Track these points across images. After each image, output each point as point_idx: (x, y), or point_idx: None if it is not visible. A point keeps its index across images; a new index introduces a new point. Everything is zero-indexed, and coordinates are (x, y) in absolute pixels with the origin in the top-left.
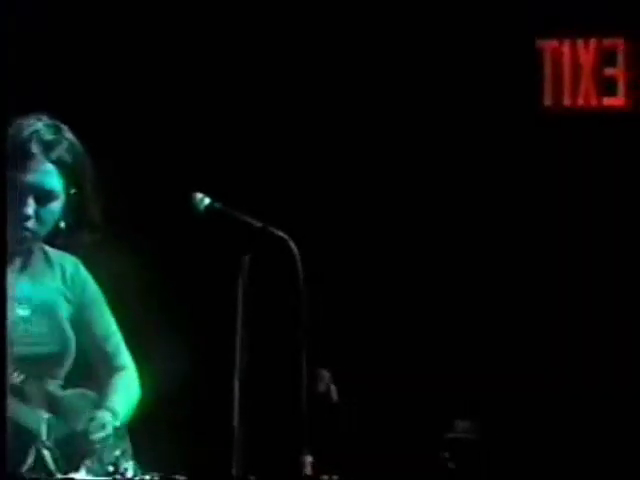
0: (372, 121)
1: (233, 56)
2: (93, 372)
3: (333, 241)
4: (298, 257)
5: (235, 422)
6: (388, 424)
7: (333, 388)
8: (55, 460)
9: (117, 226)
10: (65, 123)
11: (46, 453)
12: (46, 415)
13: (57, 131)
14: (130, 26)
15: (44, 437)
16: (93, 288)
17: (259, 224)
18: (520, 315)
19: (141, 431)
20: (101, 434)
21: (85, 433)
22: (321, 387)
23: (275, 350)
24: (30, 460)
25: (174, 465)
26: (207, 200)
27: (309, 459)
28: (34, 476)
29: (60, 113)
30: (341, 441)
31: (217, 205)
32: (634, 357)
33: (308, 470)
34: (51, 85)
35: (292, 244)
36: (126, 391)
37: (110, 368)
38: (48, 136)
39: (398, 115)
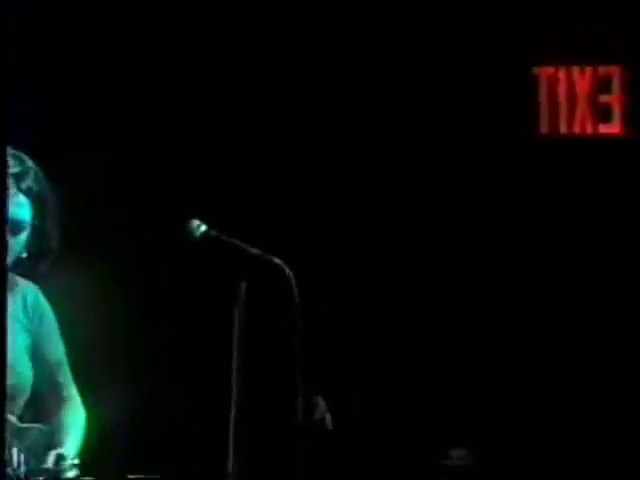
0: (365, 147)
1: (228, 80)
2: (45, 402)
3: (328, 265)
4: (294, 284)
5: (230, 450)
6: (383, 451)
7: (328, 417)
8: None
9: (96, 252)
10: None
11: None
12: (16, 448)
13: (22, 162)
14: (122, 48)
15: (22, 469)
16: (50, 317)
17: (255, 251)
18: (515, 339)
19: (90, 465)
20: (71, 473)
21: (56, 471)
22: (317, 415)
23: (270, 378)
24: None
25: None
26: (203, 227)
27: None
28: None
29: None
30: (335, 468)
31: (213, 232)
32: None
33: None
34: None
35: (288, 271)
36: (76, 424)
37: (59, 399)
38: (15, 168)
39: (395, 143)
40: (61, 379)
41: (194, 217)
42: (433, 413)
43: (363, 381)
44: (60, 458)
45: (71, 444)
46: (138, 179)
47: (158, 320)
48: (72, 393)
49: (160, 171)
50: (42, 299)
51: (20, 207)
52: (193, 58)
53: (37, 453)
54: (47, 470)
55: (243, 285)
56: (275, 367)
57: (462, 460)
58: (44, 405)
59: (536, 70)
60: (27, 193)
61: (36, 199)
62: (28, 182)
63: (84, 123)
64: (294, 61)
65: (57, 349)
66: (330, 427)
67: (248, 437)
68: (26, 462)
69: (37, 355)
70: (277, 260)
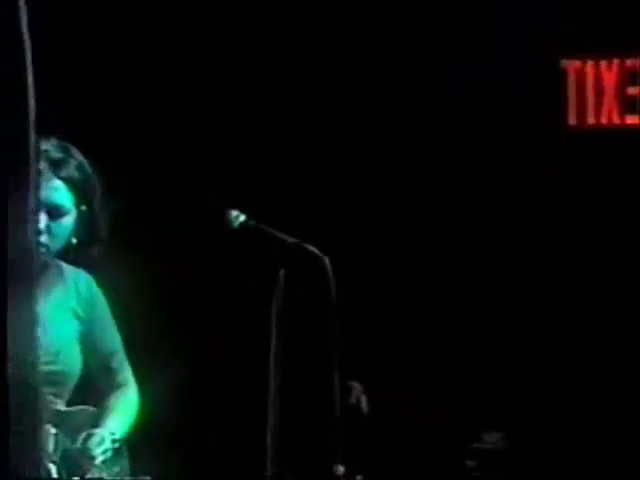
0: (397, 141)
1: (258, 78)
2: (95, 387)
3: (366, 256)
4: (331, 274)
5: (269, 434)
6: (416, 434)
7: (364, 399)
8: (59, 474)
9: (142, 243)
10: (102, 149)
11: (52, 467)
12: (53, 430)
13: (65, 151)
14: (142, 44)
15: (51, 451)
16: (103, 305)
17: (292, 240)
18: (542, 328)
19: (140, 448)
20: (100, 450)
21: (85, 449)
22: (352, 399)
23: (308, 363)
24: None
25: None
26: (242, 217)
27: (341, 469)
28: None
29: (91, 139)
30: (371, 450)
31: (252, 222)
32: None
33: (340, 475)
34: (68, 106)
35: (326, 261)
36: (125, 409)
37: (112, 384)
38: (56, 155)
39: (426, 133)
40: (114, 365)
41: (232, 208)
42: (467, 397)
43: (397, 365)
44: (89, 436)
45: (113, 426)
46: (179, 174)
47: (200, 308)
48: (127, 379)
49: (200, 166)
50: (96, 289)
51: (56, 191)
52: (219, 79)
53: (78, 434)
54: (77, 450)
55: (282, 272)
56: (312, 351)
57: (495, 444)
58: (96, 390)
59: (564, 63)
60: (67, 180)
61: (77, 187)
62: (69, 170)
63: (116, 118)
64: (322, 83)
65: (111, 337)
66: (366, 410)
67: (285, 421)
68: (62, 444)
69: (88, 342)
70: (313, 248)
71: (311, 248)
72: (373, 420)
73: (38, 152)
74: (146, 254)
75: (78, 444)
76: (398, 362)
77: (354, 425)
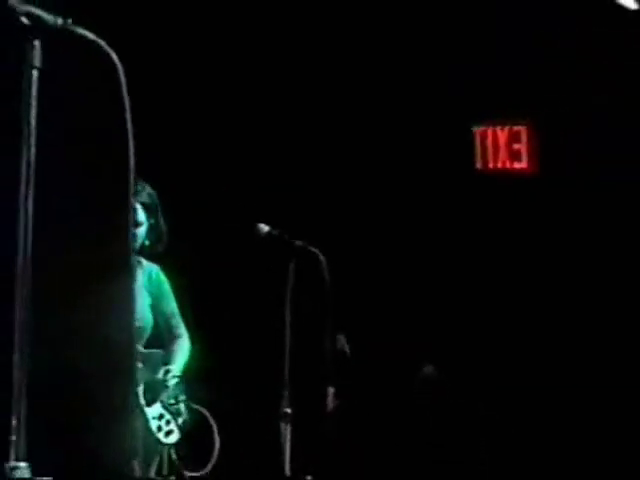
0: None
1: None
2: (162, 338)
3: (351, 253)
4: (325, 265)
5: (286, 369)
6: (379, 369)
7: (347, 346)
8: (144, 393)
9: (188, 247)
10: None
11: (140, 389)
12: (140, 365)
13: (141, 185)
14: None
15: (138, 380)
16: (166, 285)
17: (299, 242)
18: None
19: (191, 380)
20: (173, 381)
21: (163, 380)
22: (339, 345)
23: (310, 324)
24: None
25: (212, 404)
26: (267, 228)
27: (331, 390)
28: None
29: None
30: (350, 377)
31: (274, 231)
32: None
33: (330, 398)
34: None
35: (321, 256)
36: (183, 353)
37: (172, 336)
38: (136, 188)
39: (377, 177)
40: (173, 323)
41: (259, 220)
42: (413, 340)
43: (370, 324)
44: (167, 372)
45: (176, 365)
46: (216, 194)
47: (234, 288)
48: (182, 333)
49: (230, 185)
50: (161, 275)
51: (136, 212)
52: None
53: (156, 370)
54: (158, 380)
55: (292, 266)
56: (312, 316)
57: (431, 375)
58: (162, 339)
59: (474, 129)
60: (142, 204)
61: (148, 208)
62: (143, 197)
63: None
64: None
65: (171, 305)
66: (348, 353)
67: (296, 360)
68: (144, 375)
69: (157, 309)
70: (313, 249)
71: (312, 248)
72: (352, 359)
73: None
74: (192, 252)
75: (160, 376)
76: (372, 323)
77: (340, 362)
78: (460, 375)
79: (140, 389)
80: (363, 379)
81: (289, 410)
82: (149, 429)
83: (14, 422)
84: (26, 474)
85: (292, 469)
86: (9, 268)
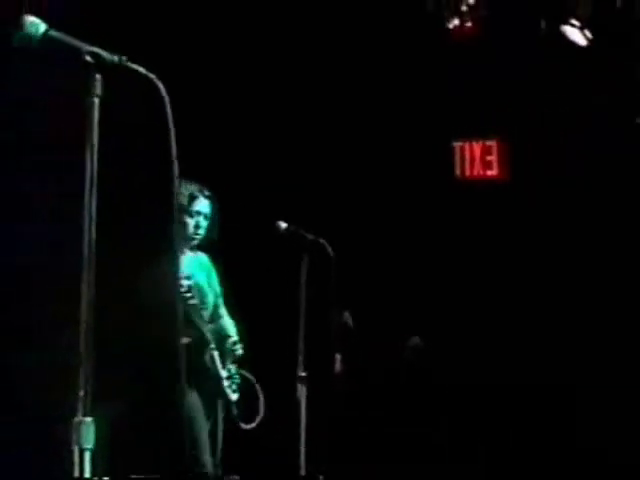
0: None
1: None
2: (217, 313)
3: (354, 245)
4: (332, 255)
5: (301, 339)
6: (376, 339)
7: (351, 321)
8: (220, 358)
9: (220, 243)
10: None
11: (216, 354)
12: (216, 352)
13: (207, 189)
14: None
15: (212, 345)
16: (214, 271)
17: (311, 236)
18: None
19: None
20: (239, 351)
21: (232, 349)
22: (344, 319)
23: (320, 302)
24: (207, 357)
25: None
26: (285, 225)
27: (338, 356)
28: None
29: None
30: (353, 345)
31: (291, 227)
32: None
33: (338, 366)
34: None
35: (329, 248)
36: (232, 327)
37: (219, 314)
38: (207, 191)
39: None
40: (219, 302)
41: (278, 218)
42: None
43: (370, 301)
44: (235, 342)
45: (236, 337)
46: (241, 195)
47: (259, 277)
48: (224, 311)
49: (256, 185)
50: (210, 262)
51: (207, 207)
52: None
53: (224, 340)
54: (228, 348)
55: (305, 255)
56: (323, 299)
57: (416, 344)
58: (217, 314)
59: (453, 143)
60: (210, 203)
61: (213, 207)
62: (210, 199)
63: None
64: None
65: (218, 288)
66: (352, 326)
67: (309, 329)
68: (220, 360)
69: (210, 289)
70: (323, 241)
71: (322, 241)
72: (355, 331)
73: (199, 189)
74: (224, 245)
75: (228, 345)
76: (370, 303)
77: (345, 333)
78: (440, 344)
79: (216, 354)
80: (363, 347)
81: (304, 373)
82: (222, 388)
83: (82, 380)
84: (91, 429)
85: (307, 424)
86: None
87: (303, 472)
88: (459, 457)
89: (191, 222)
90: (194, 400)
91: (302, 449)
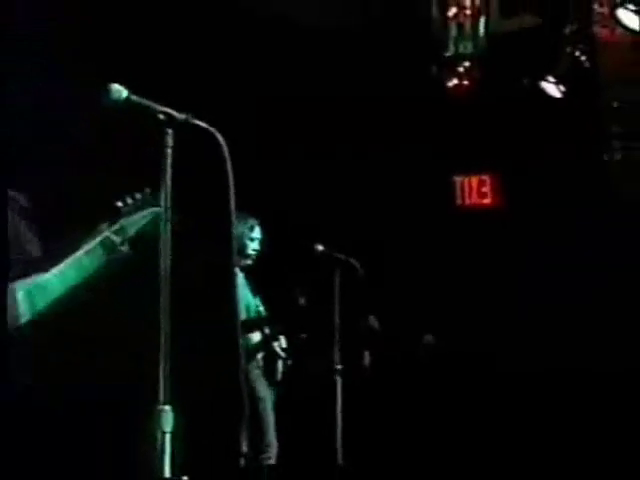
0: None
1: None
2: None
3: (379, 263)
4: (361, 271)
5: (336, 339)
6: (396, 338)
7: (377, 324)
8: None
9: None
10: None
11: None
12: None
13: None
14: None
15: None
16: (244, 283)
17: (343, 257)
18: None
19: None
20: (284, 344)
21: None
22: (370, 322)
23: (351, 309)
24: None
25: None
26: (321, 247)
27: (367, 353)
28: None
29: None
30: (379, 344)
31: (326, 250)
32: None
33: (367, 360)
34: None
35: (358, 266)
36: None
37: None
38: (253, 220)
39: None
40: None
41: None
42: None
43: (392, 307)
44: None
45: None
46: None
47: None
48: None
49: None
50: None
51: (260, 234)
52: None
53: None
54: (286, 349)
55: (337, 272)
56: (353, 306)
57: (432, 341)
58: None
59: (454, 178)
60: (261, 229)
61: (260, 232)
62: (257, 225)
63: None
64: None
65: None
66: (377, 328)
67: (343, 339)
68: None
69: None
70: (353, 260)
71: (352, 260)
72: (380, 332)
73: (252, 225)
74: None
75: (284, 344)
76: (392, 309)
77: (372, 334)
78: (451, 342)
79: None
80: (387, 345)
81: (339, 366)
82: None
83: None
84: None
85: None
86: None
87: (340, 460)
88: (473, 448)
89: (251, 245)
90: (263, 383)
91: (339, 433)
